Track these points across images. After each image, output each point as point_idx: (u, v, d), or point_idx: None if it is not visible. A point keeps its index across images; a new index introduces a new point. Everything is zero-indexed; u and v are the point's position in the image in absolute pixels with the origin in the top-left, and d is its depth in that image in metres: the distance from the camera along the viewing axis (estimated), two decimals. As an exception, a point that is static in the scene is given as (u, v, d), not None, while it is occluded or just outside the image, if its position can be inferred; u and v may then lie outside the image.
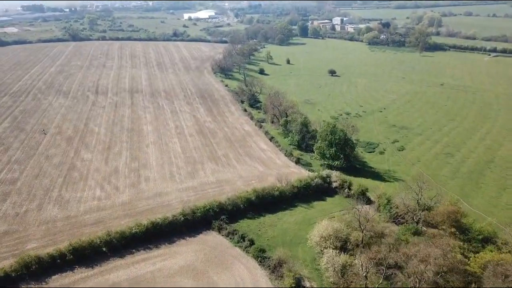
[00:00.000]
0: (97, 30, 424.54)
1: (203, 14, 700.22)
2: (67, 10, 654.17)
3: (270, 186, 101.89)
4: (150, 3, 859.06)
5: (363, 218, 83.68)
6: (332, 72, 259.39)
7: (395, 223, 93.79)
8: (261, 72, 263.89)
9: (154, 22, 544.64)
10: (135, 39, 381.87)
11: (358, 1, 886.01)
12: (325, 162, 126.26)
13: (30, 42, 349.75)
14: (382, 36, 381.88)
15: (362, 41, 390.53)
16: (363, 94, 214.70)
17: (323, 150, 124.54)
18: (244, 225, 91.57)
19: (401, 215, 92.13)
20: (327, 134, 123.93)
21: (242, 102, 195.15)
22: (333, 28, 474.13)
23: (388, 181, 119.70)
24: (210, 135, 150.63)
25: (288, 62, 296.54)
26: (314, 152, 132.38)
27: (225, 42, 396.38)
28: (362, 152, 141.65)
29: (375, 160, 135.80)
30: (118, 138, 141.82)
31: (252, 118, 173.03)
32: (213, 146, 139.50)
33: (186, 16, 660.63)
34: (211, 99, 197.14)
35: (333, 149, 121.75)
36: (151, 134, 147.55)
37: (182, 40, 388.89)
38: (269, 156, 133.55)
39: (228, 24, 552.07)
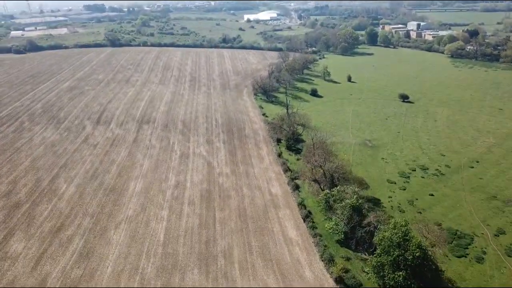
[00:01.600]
0: (144, 33, 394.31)
1: (265, 15, 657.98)
2: (126, 10, 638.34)
3: None
4: (212, 3, 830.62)
5: None
6: (404, 97, 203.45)
7: None
8: (313, 93, 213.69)
9: (209, 24, 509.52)
10: (178, 46, 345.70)
11: (437, 1, 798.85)
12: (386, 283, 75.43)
13: (66, 47, 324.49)
14: (469, 47, 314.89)
15: (443, 52, 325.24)
16: (445, 134, 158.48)
17: (385, 270, 73.58)
18: None
19: None
20: (392, 245, 72.83)
21: (279, 141, 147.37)
22: (407, 35, 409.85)
23: None
24: (218, 202, 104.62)
25: (349, 79, 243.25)
26: (367, 254, 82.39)
27: (280, 49, 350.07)
28: (446, 256, 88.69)
29: (469, 276, 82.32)
30: (83, 208, 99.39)
31: (286, 170, 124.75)
32: (215, 228, 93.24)
33: (246, 17, 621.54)
34: (239, 135, 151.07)
35: (402, 273, 70.44)
36: (134, 200, 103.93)
37: (231, 47, 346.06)
38: (295, 257, 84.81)
39: (289, 28, 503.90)
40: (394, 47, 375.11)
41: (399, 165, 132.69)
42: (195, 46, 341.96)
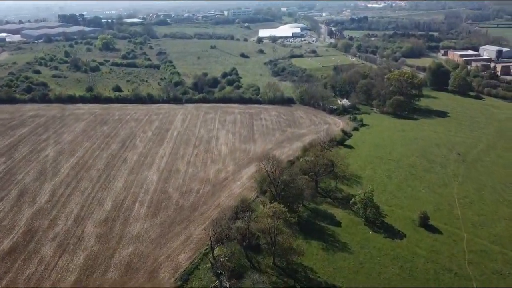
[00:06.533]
0: (82, 67, 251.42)
1: (285, 30, 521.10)
2: (104, 21, 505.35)
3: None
4: (226, 12, 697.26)
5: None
6: None
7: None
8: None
9: (202, 47, 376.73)
10: (110, 100, 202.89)
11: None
12: None
13: None
14: None
15: None
16: None
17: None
18: None
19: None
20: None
21: None
22: (492, 72, 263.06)
23: None
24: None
25: (424, 221, 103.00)
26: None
27: (290, 102, 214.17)
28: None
29: None
30: None
31: None
32: None
33: (261, 33, 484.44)
34: None
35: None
36: None
37: (203, 99, 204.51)
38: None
39: (313, 52, 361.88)
40: (478, 97, 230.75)
41: None
42: (135, 100, 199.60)
